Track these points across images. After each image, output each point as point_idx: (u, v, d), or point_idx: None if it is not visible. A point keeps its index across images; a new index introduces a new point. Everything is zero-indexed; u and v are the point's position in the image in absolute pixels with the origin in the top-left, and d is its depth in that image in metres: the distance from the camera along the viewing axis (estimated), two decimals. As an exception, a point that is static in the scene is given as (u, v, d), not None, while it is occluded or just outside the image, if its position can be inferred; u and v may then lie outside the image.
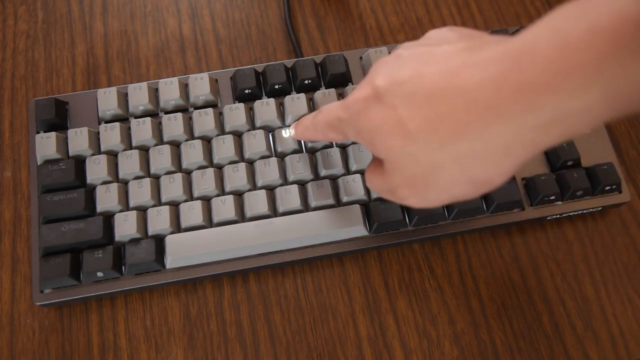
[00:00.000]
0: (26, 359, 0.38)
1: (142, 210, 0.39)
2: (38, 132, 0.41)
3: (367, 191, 0.40)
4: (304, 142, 0.41)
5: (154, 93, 0.42)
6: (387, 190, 0.30)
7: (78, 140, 0.39)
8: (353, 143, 0.41)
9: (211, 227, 0.38)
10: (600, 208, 0.41)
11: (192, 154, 0.40)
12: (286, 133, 0.40)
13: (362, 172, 0.40)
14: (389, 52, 0.43)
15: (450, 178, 0.26)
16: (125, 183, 0.39)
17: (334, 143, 0.41)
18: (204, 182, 0.39)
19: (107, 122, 0.41)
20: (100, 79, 0.46)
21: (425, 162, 0.26)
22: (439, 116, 0.25)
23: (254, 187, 0.40)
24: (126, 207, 0.39)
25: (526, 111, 0.22)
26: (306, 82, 0.42)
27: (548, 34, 0.21)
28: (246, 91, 0.41)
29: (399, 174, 0.28)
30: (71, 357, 0.38)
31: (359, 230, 0.38)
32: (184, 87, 0.42)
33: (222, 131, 0.41)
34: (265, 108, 0.41)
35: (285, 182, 0.40)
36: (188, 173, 0.40)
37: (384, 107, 0.27)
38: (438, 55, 0.26)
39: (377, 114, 0.27)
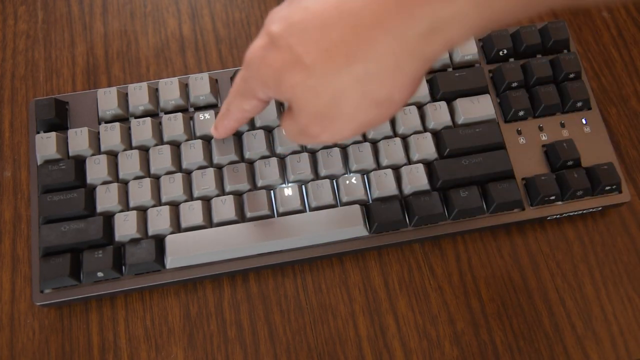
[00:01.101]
0: (26, 359, 0.38)
1: (142, 210, 0.39)
2: (38, 132, 0.41)
3: (367, 191, 0.40)
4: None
5: (154, 93, 0.42)
6: (299, 132, 0.30)
7: (78, 140, 0.39)
8: (353, 143, 0.41)
9: (211, 227, 0.38)
10: (600, 208, 0.41)
11: (192, 154, 0.40)
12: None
13: (362, 172, 0.40)
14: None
15: (353, 104, 0.27)
16: (125, 183, 0.39)
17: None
18: (204, 182, 0.39)
19: (107, 122, 0.41)
20: (100, 79, 0.46)
21: (326, 93, 0.27)
22: (333, 44, 0.25)
23: (254, 187, 0.40)
24: (126, 207, 0.39)
25: (407, 23, 0.24)
26: (306, 82, 0.42)
27: None
28: (246, 91, 0.41)
29: (305, 112, 0.28)
30: (71, 357, 0.38)
31: (359, 230, 0.38)
32: (184, 87, 0.42)
33: (222, 131, 0.41)
34: (266, 108, 0.41)
35: (285, 182, 0.40)
36: (188, 173, 0.40)
37: (281, 49, 0.27)
38: None
39: (275, 58, 0.27)
